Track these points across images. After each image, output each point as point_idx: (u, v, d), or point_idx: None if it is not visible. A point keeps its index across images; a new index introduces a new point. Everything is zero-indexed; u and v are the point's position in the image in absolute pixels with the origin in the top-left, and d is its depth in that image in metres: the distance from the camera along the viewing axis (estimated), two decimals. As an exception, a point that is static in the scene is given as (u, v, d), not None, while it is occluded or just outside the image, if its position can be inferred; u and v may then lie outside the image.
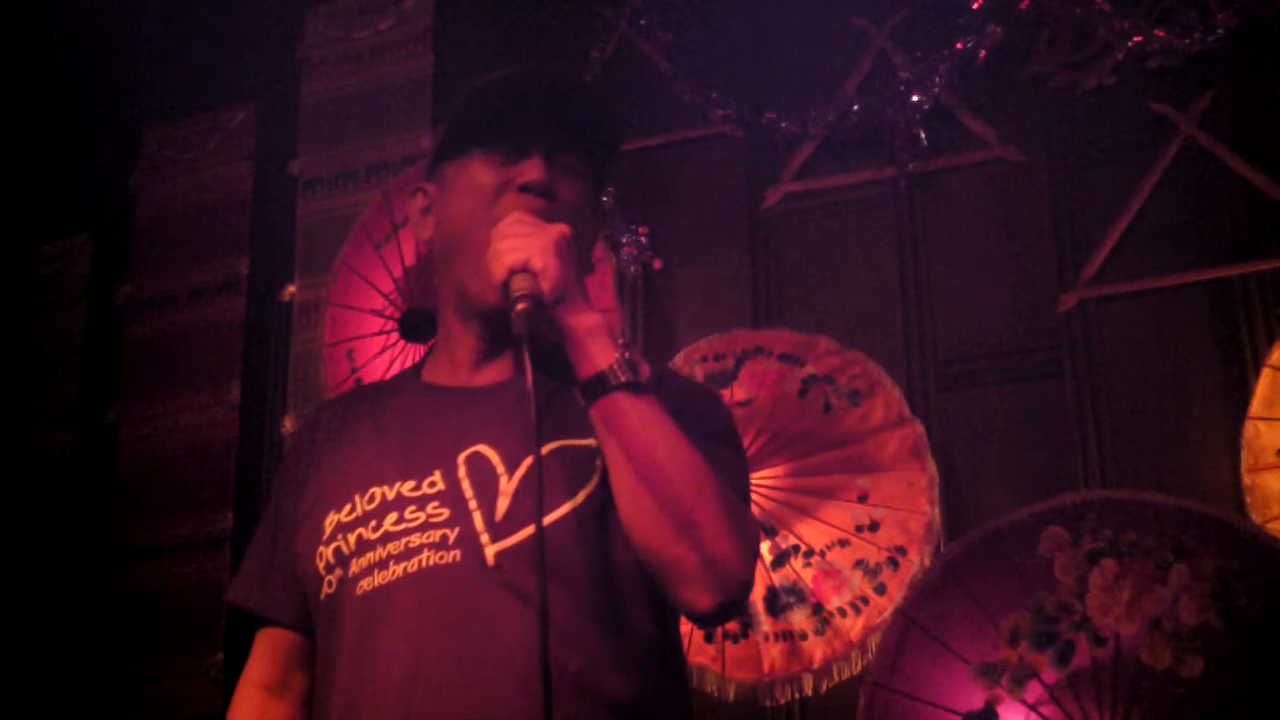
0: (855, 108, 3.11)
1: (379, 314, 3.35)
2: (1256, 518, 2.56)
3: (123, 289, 3.84)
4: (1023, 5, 3.01)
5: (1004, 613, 2.52)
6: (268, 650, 1.53)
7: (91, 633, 3.53)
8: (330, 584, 1.40)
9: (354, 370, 3.34)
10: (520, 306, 1.30)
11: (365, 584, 1.37)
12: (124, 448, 3.69)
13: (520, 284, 1.32)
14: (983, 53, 3.00)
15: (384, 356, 3.31)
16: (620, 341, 1.34)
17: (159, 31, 3.90)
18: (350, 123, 3.69)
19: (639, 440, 1.30)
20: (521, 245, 1.33)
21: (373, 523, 1.39)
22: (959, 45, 3.01)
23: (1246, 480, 2.60)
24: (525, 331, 1.30)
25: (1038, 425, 2.85)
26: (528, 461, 1.37)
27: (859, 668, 2.73)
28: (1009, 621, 2.52)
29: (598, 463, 1.36)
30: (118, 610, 3.53)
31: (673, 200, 3.28)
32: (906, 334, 3.00)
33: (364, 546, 1.38)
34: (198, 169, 3.85)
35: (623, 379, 1.32)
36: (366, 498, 1.41)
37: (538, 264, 1.32)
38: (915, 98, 3.03)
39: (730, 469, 1.40)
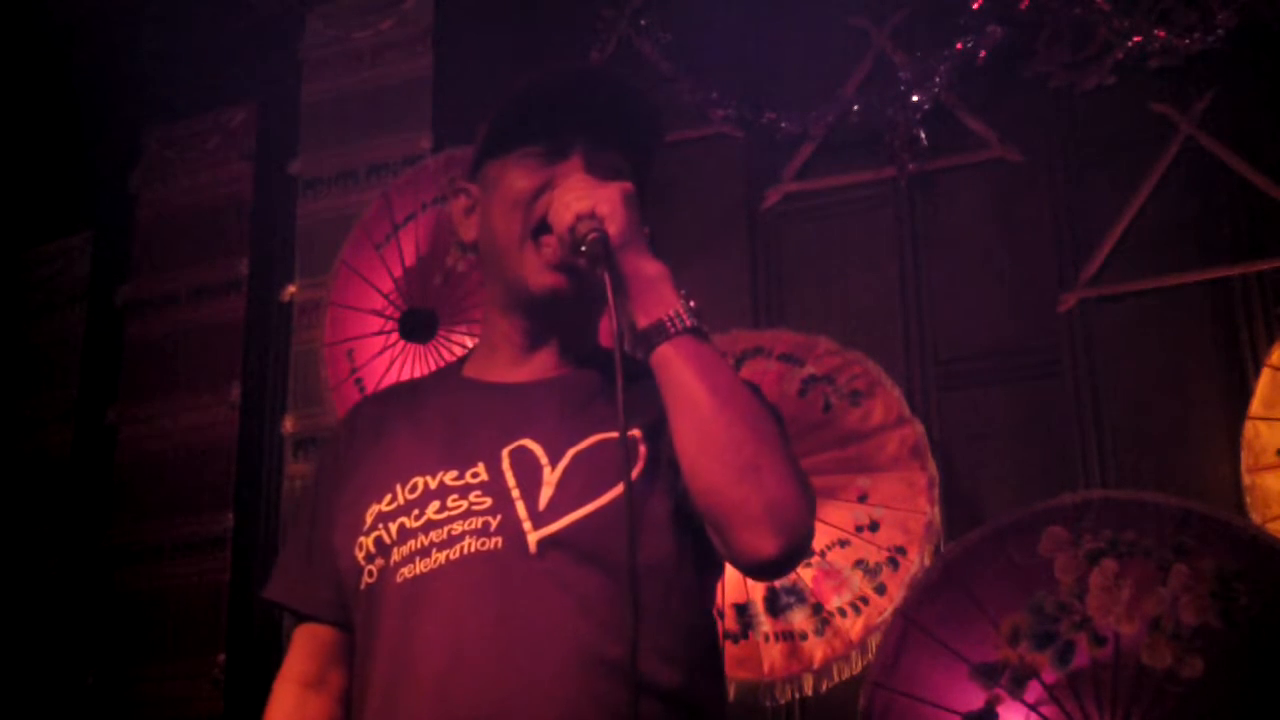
0: (855, 108, 3.11)
1: (379, 314, 3.35)
2: (1256, 518, 2.56)
3: (123, 289, 3.84)
4: (1023, 5, 3.01)
5: (1004, 613, 2.52)
6: (306, 646, 1.53)
7: (92, 633, 3.53)
8: (371, 573, 1.41)
9: (354, 370, 3.34)
10: (592, 236, 1.33)
11: (407, 571, 1.37)
12: (124, 448, 3.69)
13: (586, 226, 1.34)
14: (983, 53, 3.00)
15: (384, 356, 3.31)
16: (682, 291, 1.36)
17: (159, 31, 3.90)
18: (350, 123, 3.69)
19: (703, 383, 1.32)
20: (587, 195, 1.36)
21: (415, 511, 1.40)
22: (959, 45, 3.01)
23: (1246, 480, 2.60)
24: (602, 253, 1.33)
25: (1038, 425, 2.85)
26: (571, 453, 1.39)
27: (859, 668, 2.73)
28: (1009, 621, 2.51)
29: (642, 449, 1.38)
30: (118, 611, 3.53)
31: (672, 200, 3.28)
32: (906, 334, 3.00)
33: (405, 535, 1.39)
34: (198, 169, 3.85)
35: (687, 324, 1.34)
36: (409, 487, 1.42)
37: (604, 209, 1.34)
38: (915, 98, 3.03)
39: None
